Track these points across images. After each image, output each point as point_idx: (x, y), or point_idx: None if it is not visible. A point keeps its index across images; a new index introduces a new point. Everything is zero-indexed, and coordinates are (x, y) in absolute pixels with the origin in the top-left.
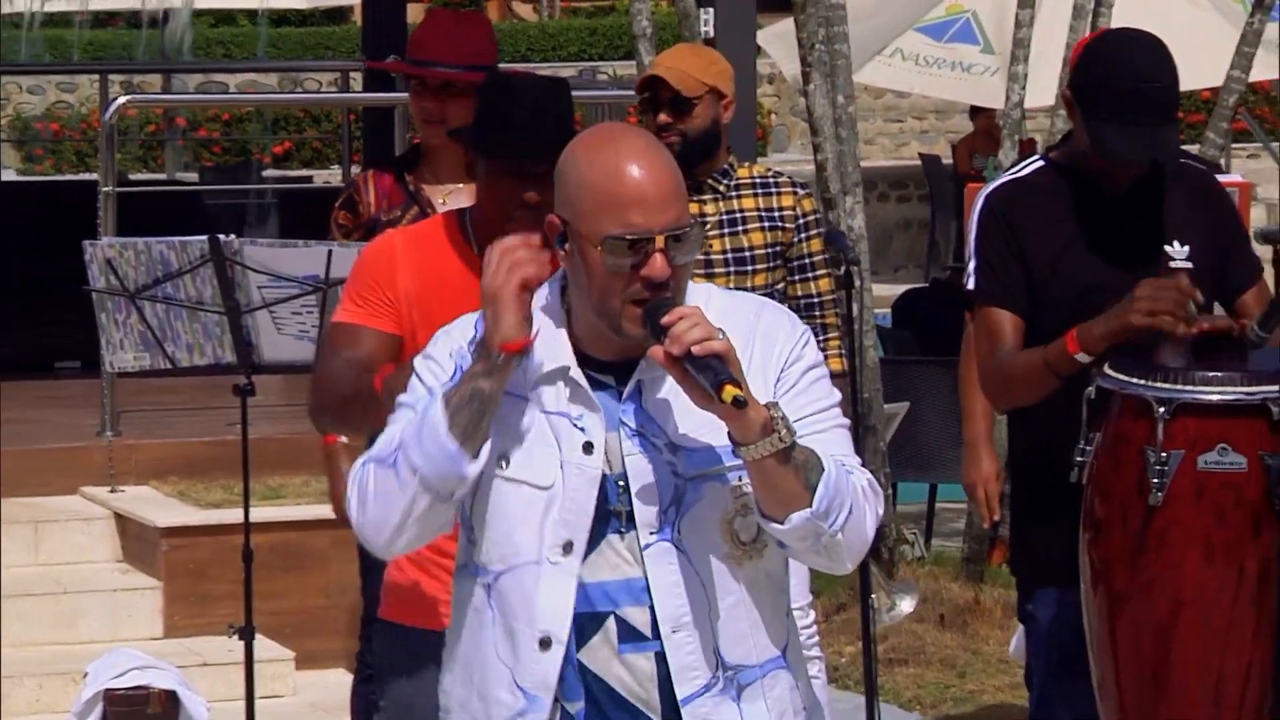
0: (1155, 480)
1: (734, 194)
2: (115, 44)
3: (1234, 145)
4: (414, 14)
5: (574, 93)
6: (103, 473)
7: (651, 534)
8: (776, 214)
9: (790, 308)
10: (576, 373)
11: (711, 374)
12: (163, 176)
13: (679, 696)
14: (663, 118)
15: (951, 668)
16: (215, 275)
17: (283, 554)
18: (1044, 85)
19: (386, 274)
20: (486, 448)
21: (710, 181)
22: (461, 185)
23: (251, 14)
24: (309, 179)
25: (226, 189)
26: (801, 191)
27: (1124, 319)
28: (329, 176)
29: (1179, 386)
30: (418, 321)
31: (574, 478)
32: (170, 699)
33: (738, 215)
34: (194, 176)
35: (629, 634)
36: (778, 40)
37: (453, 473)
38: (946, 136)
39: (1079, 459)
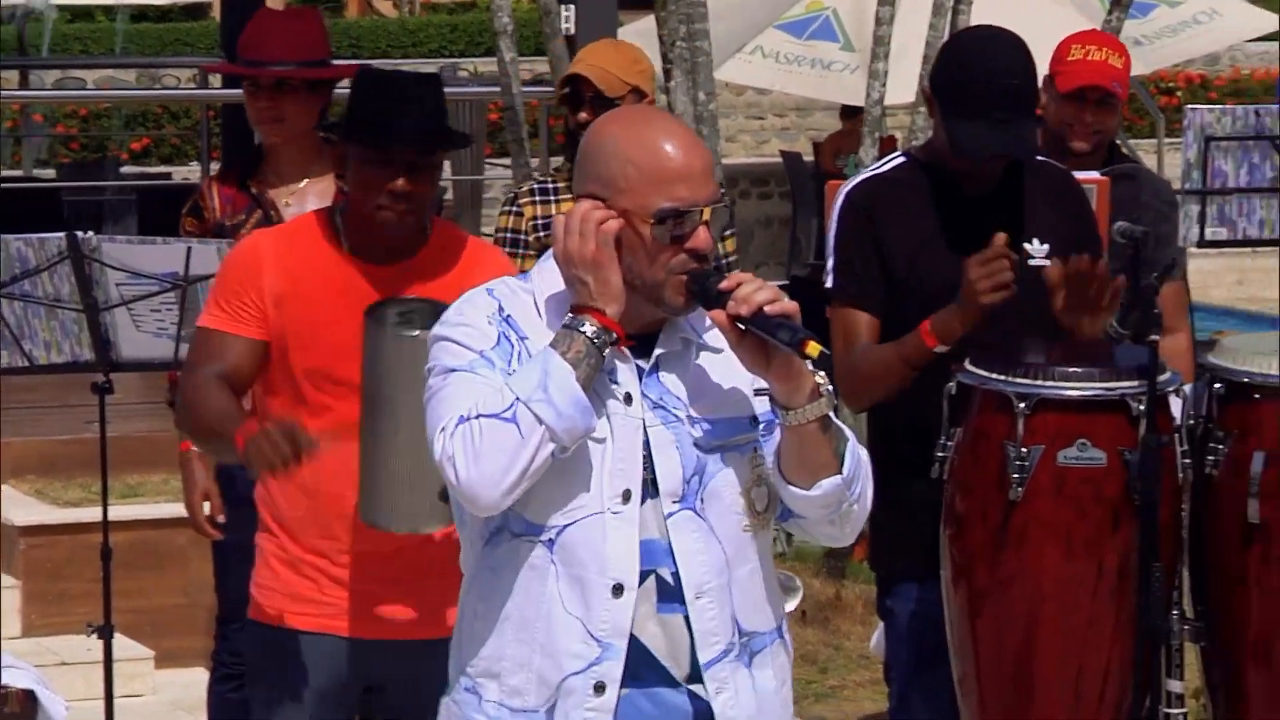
0: (1015, 475)
1: None
2: None
3: None
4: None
5: None
6: None
7: (674, 503)
8: None
9: None
10: None
11: (789, 332)
12: (20, 173)
13: (701, 661)
14: (584, 116)
15: (813, 663)
16: (73, 272)
17: (141, 552)
18: (904, 82)
19: (252, 275)
20: None
21: None
22: (305, 183)
23: (109, 9)
24: (168, 175)
25: (84, 185)
26: None
27: (974, 304)
28: (188, 173)
29: (1039, 382)
30: (286, 321)
31: (620, 427)
32: (28, 698)
33: None
34: (51, 173)
35: (665, 593)
36: (638, 37)
37: (583, 424)
38: (807, 134)
39: (939, 454)
